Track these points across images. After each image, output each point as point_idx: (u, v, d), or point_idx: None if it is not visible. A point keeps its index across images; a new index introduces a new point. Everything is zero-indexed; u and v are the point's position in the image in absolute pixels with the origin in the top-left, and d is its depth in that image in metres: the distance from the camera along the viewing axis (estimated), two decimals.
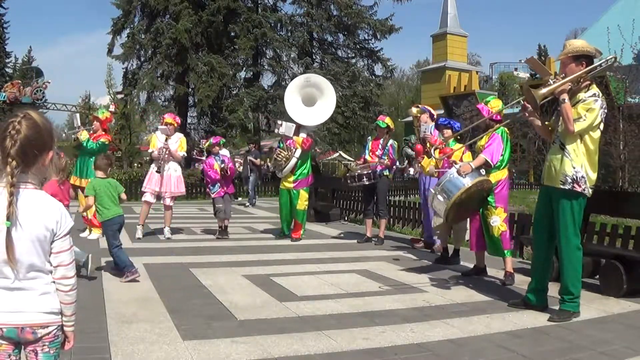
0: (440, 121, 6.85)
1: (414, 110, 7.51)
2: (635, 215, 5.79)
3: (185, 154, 8.37)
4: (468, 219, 6.12)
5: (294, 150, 8.10)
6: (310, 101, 8.48)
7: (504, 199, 5.46)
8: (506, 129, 5.55)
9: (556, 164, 4.11)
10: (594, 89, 4.09)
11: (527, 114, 4.41)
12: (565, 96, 4.00)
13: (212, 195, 8.14)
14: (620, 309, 4.47)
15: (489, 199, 5.28)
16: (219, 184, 8.05)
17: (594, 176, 4.11)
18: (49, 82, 33.56)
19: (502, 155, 5.33)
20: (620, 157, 12.44)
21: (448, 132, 6.53)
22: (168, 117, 8.24)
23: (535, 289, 4.41)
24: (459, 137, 6.86)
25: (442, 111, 22.59)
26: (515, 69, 76.76)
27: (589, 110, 3.98)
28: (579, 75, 4.03)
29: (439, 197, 4.77)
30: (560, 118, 4.09)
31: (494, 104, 5.58)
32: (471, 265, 6.10)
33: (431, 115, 7.32)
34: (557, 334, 3.80)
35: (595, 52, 4.14)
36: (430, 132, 6.84)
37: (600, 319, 4.18)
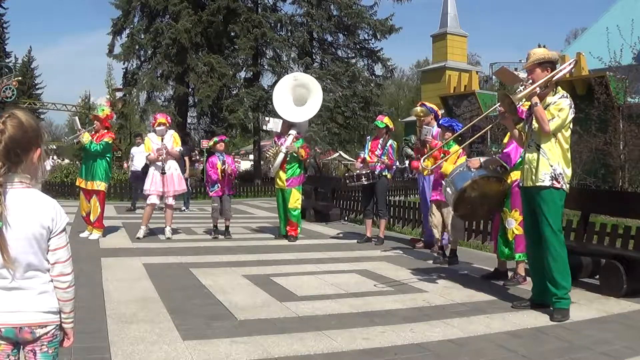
0: (442, 122, 6.69)
1: (418, 109, 7.26)
2: (635, 215, 5.78)
3: (182, 149, 8.49)
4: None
5: (279, 145, 8.17)
6: (301, 101, 8.59)
7: (520, 200, 5.13)
8: None
9: (534, 165, 4.26)
10: (561, 91, 4.36)
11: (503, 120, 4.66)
12: (537, 99, 4.23)
13: (210, 194, 8.25)
14: (620, 309, 4.47)
15: (506, 199, 5.11)
16: (218, 184, 8.10)
17: (569, 172, 4.30)
18: (20, 78, 34.95)
19: (521, 156, 5.10)
20: (620, 157, 12.45)
21: (448, 135, 6.29)
22: (161, 117, 8.32)
23: (539, 289, 4.42)
24: (459, 138, 6.67)
25: (442, 111, 22.60)
26: (515, 69, 76.66)
27: (560, 110, 4.21)
28: (546, 80, 4.26)
29: (448, 189, 4.90)
30: (534, 121, 4.27)
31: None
32: (469, 264, 6.09)
33: (436, 117, 7.19)
34: (557, 334, 3.80)
35: (558, 58, 4.45)
36: (432, 136, 6.71)
37: (600, 319, 4.18)
